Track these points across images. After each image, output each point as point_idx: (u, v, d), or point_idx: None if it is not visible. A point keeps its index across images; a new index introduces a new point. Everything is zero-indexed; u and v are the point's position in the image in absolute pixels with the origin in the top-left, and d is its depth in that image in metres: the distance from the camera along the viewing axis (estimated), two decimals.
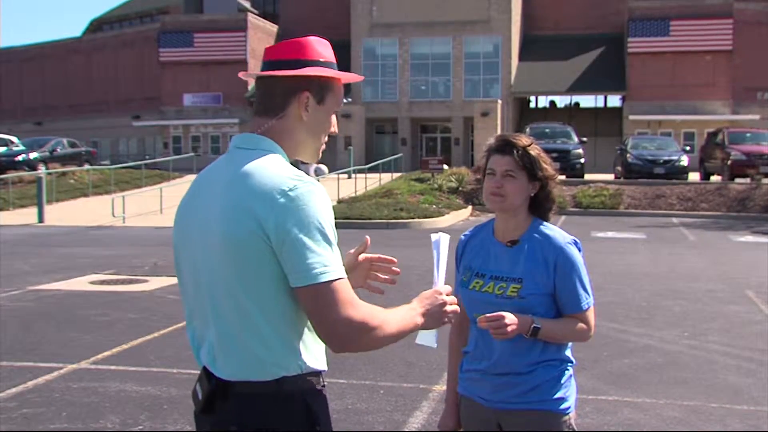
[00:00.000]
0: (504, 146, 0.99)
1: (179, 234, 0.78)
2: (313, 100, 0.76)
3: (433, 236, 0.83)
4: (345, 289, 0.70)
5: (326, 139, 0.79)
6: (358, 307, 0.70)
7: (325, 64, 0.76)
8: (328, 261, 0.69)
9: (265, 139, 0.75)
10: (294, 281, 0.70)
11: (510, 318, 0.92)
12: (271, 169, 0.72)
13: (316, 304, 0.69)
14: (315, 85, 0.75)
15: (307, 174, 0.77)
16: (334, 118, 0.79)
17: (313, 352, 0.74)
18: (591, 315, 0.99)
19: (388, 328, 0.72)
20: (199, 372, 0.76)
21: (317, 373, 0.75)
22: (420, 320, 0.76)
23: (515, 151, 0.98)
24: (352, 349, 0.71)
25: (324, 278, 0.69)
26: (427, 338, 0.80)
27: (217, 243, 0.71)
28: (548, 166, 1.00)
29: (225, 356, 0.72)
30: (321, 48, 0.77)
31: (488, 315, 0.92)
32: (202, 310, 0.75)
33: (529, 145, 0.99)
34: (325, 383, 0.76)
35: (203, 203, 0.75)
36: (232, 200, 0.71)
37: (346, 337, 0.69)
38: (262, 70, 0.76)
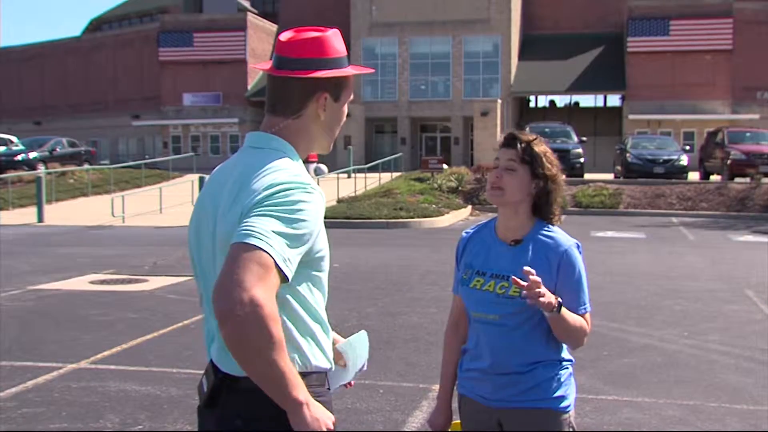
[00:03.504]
0: (510, 140, 0.99)
1: (192, 233, 0.77)
2: (331, 99, 0.75)
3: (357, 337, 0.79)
4: (267, 269, 0.62)
5: (338, 132, 0.78)
6: (268, 291, 0.62)
7: (342, 60, 0.75)
8: (268, 235, 0.63)
9: (276, 138, 0.73)
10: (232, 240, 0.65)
11: (544, 289, 0.89)
12: (274, 169, 0.70)
13: (229, 263, 0.62)
14: (332, 85, 0.74)
15: (307, 173, 0.74)
16: (346, 110, 0.78)
17: (318, 352, 0.73)
18: (589, 319, 0.99)
19: (273, 351, 0.62)
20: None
21: (322, 373, 0.74)
22: (301, 398, 0.64)
23: (518, 145, 0.98)
24: (230, 322, 0.61)
25: (249, 240, 0.62)
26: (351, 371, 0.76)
27: (212, 243, 0.71)
28: (551, 165, 0.98)
29: (230, 354, 0.71)
30: (337, 43, 0.75)
31: (531, 283, 0.87)
32: (210, 307, 0.75)
33: (534, 140, 0.98)
34: (330, 386, 0.75)
35: (211, 203, 0.74)
36: (229, 200, 0.70)
37: (236, 305, 0.60)
38: (277, 64, 0.74)
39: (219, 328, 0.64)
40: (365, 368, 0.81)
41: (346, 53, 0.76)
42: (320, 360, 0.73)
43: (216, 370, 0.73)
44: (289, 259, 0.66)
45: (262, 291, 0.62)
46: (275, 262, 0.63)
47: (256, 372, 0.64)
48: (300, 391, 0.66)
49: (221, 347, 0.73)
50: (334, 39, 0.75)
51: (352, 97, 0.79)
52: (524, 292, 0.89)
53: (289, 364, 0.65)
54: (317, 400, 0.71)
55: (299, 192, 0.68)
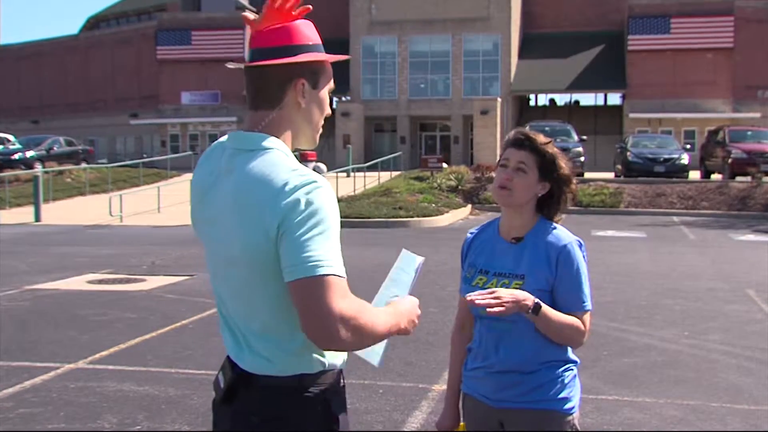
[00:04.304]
0: (521, 141, 0.98)
1: (204, 238, 0.77)
2: (309, 86, 0.74)
3: (415, 257, 0.81)
4: (340, 285, 0.68)
5: (322, 122, 0.78)
6: (351, 302, 0.68)
7: (315, 47, 0.75)
8: (324, 256, 0.67)
9: (265, 136, 0.73)
10: (287, 276, 0.68)
11: (504, 291, 0.89)
12: (276, 171, 0.70)
13: (306, 296, 0.67)
14: (308, 71, 0.74)
15: (304, 166, 0.76)
16: (328, 99, 0.78)
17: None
18: (588, 318, 0.98)
19: (378, 327, 0.70)
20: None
21: (338, 371, 0.75)
22: (403, 326, 0.75)
23: (531, 147, 0.97)
24: (339, 346, 0.68)
25: (319, 272, 0.67)
26: (373, 354, 0.77)
27: (234, 256, 0.72)
28: (563, 168, 0.98)
29: (248, 353, 0.73)
30: (308, 31, 0.75)
31: (479, 291, 0.90)
32: (227, 308, 0.76)
33: (547, 143, 0.98)
34: (345, 382, 0.76)
35: (217, 213, 0.73)
36: (245, 212, 0.70)
37: (335, 332, 0.66)
38: (251, 58, 0.74)
39: (331, 350, 0.70)
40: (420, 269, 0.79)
41: (320, 42, 0.76)
42: (336, 359, 0.75)
43: (233, 366, 0.74)
44: (342, 261, 0.70)
45: (346, 305, 0.68)
46: (339, 275, 0.68)
47: (379, 341, 0.73)
48: (401, 320, 0.74)
49: (240, 346, 0.74)
50: (306, 27, 0.75)
51: (332, 85, 0.77)
52: (487, 311, 0.88)
53: (389, 319, 0.72)
54: (333, 398, 0.72)
55: (315, 192, 0.69)
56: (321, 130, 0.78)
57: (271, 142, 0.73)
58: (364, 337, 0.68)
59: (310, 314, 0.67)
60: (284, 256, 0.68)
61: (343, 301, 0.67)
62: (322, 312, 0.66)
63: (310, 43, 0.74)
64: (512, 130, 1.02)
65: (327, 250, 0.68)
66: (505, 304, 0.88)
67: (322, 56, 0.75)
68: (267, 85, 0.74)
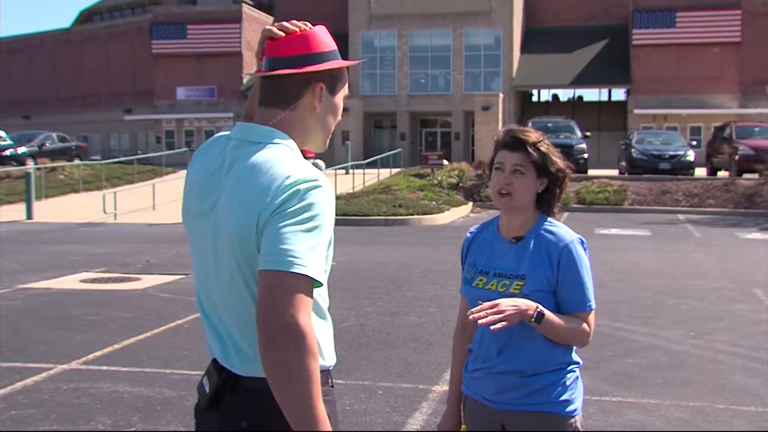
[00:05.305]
0: (513, 142, 0.96)
1: (195, 231, 0.75)
2: (326, 90, 0.75)
3: None
4: (308, 292, 0.65)
5: (334, 127, 0.77)
6: (308, 315, 0.64)
7: (333, 54, 0.76)
8: (302, 254, 0.65)
9: (275, 131, 0.73)
10: (261, 263, 0.66)
11: (507, 302, 0.88)
12: (280, 164, 0.69)
13: (271, 291, 0.63)
14: (327, 75, 0.75)
15: (311, 165, 0.76)
16: (341, 105, 0.78)
17: (323, 350, 0.72)
18: (592, 318, 0.96)
19: (313, 379, 0.63)
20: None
21: (326, 371, 0.73)
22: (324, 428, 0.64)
23: (525, 147, 0.95)
24: (275, 351, 0.62)
25: (292, 268, 0.64)
26: None
27: (225, 244, 0.70)
28: (558, 162, 0.97)
29: (234, 352, 0.72)
30: (326, 37, 0.76)
31: (481, 305, 0.88)
32: (214, 305, 0.74)
33: (539, 141, 0.97)
34: (333, 383, 0.74)
35: (214, 202, 0.72)
36: (243, 200, 0.69)
37: (281, 337, 0.62)
38: (269, 66, 0.74)
39: (262, 354, 0.64)
40: None
41: (336, 48, 0.77)
42: (327, 358, 0.73)
43: (220, 369, 0.72)
44: (323, 268, 0.68)
45: (306, 318, 0.64)
46: (314, 279, 0.66)
47: (291, 403, 0.64)
48: (325, 427, 0.65)
49: (225, 346, 0.72)
50: (323, 34, 0.76)
51: (347, 92, 0.79)
52: (491, 329, 0.87)
53: (321, 401, 0.65)
54: (324, 399, 0.70)
55: (314, 191, 0.68)
56: (331, 135, 0.77)
57: (280, 137, 0.72)
58: (296, 367, 0.62)
59: (266, 308, 0.64)
60: (263, 244, 0.66)
61: (303, 311, 0.63)
62: (277, 311, 0.63)
63: (328, 50, 0.75)
64: (501, 130, 1.00)
65: (308, 248, 0.65)
66: (508, 317, 0.87)
67: (342, 63, 0.76)
68: (285, 86, 0.74)
